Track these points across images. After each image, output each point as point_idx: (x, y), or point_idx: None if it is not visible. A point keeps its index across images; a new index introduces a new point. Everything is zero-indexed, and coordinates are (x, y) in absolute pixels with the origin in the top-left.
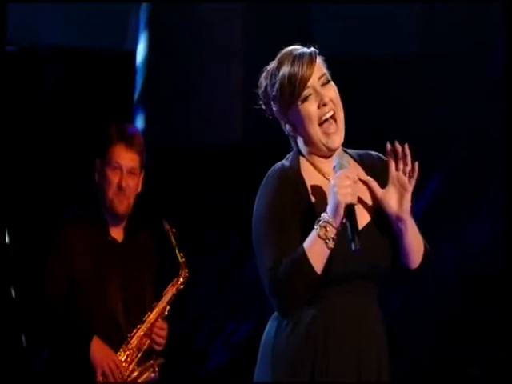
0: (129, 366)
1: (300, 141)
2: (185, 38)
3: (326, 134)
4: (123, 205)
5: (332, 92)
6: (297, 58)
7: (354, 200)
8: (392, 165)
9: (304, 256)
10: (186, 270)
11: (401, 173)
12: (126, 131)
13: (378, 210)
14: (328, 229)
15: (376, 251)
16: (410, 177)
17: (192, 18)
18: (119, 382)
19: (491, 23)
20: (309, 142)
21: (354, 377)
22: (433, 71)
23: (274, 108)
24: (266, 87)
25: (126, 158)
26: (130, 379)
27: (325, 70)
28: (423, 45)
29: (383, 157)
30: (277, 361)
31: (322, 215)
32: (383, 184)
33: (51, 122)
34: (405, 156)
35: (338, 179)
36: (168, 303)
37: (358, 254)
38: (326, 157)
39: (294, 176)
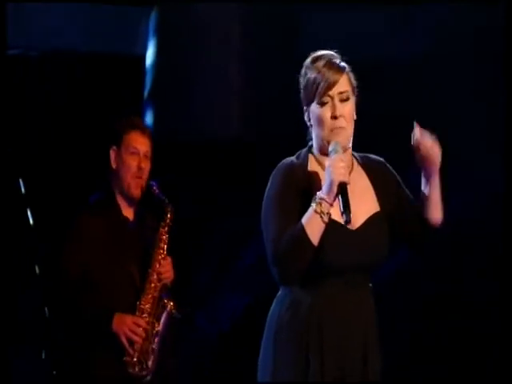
0: (149, 316)
1: (314, 133)
2: (188, 43)
3: (333, 135)
4: (139, 186)
5: (347, 109)
6: (328, 64)
7: (346, 179)
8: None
9: (302, 229)
10: (170, 208)
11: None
12: (138, 121)
13: (375, 210)
14: (323, 204)
15: (370, 248)
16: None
17: (194, 25)
18: (144, 335)
19: (491, 25)
20: (317, 138)
21: (342, 355)
22: (434, 72)
23: (301, 96)
24: (299, 77)
25: (142, 143)
26: (154, 327)
27: (348, 87)
28: (424, 46)
29: (380, 159)
30: (278, 337)
31: (318, 193)
32: (385, 181)
33: (69, 118)
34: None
35: (332, 161)
36: (164, 244)
37: (352, 243)
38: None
39: (300, 171)
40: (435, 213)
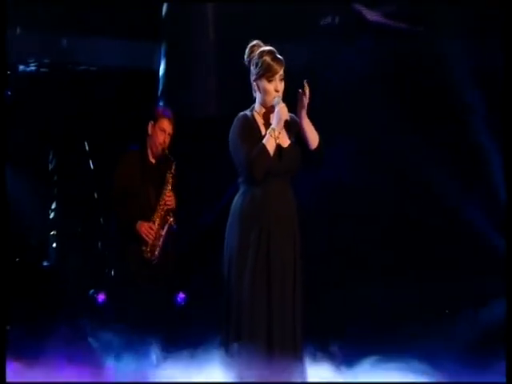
0: (158, 225)
1: (257, 95)
2: (183, 62)
3: (273, 101)
4: (161, 150)
5: (282, 86)
6: (276, 59)
7: (288, 118)
8: (301, 97)
9: (264, 146)
10: (175, 163)
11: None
12: (168, 112)
13: (294, 139)
14: (276, 131)
15: (293, 159)
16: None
17: (186, 50)
18: (153, 236)
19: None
20: (261, 99)
21: (285, 223)
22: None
23: (252, 69)
24: (250, 59)
25: (167, 127)
26: (160, 231)
27: (283, 73)
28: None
29: (295, 117)
30: (239, 218)
31: (272, 126)
32: (291, 128)
33: (115, 105)
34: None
35: (281, 107)
36: (169, 184)
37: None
38: (267, 108)
39: (250, 118)
40: (310, 141)
